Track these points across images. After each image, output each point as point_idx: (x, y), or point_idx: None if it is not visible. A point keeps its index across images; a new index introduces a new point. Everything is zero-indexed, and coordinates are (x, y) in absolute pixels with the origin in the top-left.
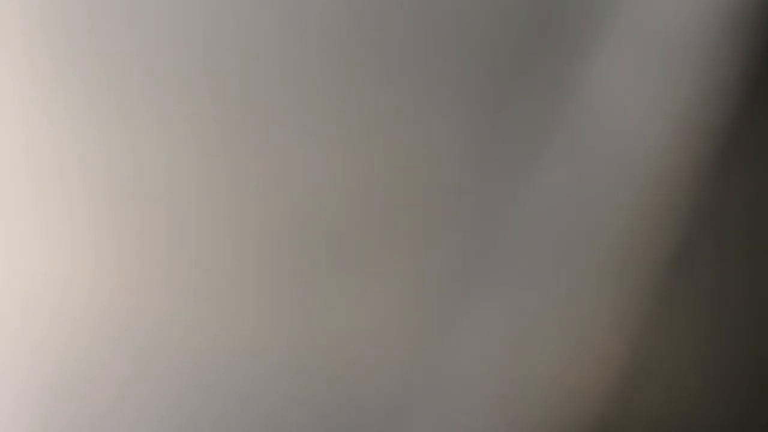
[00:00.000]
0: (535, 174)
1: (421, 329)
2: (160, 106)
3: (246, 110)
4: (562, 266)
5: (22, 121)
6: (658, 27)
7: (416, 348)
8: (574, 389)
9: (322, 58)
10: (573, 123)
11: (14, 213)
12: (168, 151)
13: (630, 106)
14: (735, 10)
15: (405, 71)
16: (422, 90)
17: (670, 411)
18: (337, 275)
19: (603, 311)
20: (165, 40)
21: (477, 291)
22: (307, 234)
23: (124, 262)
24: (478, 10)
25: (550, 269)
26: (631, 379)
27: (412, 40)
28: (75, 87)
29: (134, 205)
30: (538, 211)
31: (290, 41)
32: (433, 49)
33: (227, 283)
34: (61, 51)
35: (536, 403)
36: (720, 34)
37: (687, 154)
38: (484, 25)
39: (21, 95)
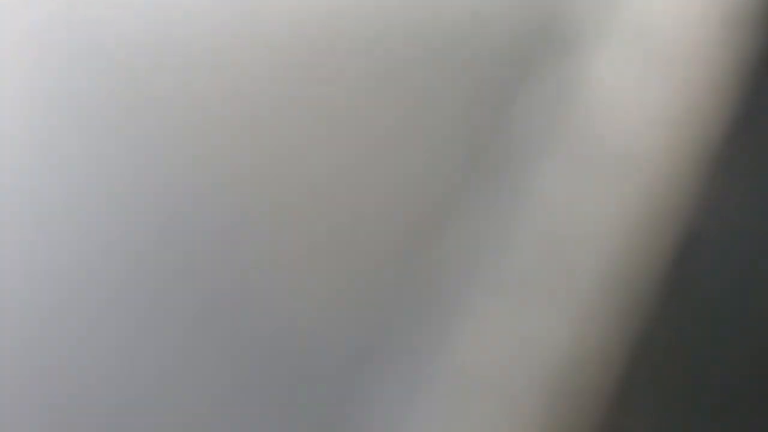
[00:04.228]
0: (536, 175)
1: (420, 328)
2: (163, 105)
3: (248, 109)
4: (562, 266)
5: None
6: (658, 29)
7: (416, 347)
8: (574, 389)
9: (326, 59)
10: (574, 125)
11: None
12: (169, 149)
13: (630, 109)
14: (734, 11)
15: (407, 73)
16: (423, 92)
17: (670, 411)
18: (338, 274)
19: (603, 311)
20: (165, 40)
21: (476, 291)
22: (307, 232)
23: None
24: (479, 12)
25: (550, 269)
26: (632, 379)
27: (415, 43)
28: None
29: (137, 207)
30: (539, 212)
31: (294, 43)
32: (435, 52)
33: (218, 280)
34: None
35: (536, 403)
36: (720, 35)
37: (687, 156)
38: (485, 27)
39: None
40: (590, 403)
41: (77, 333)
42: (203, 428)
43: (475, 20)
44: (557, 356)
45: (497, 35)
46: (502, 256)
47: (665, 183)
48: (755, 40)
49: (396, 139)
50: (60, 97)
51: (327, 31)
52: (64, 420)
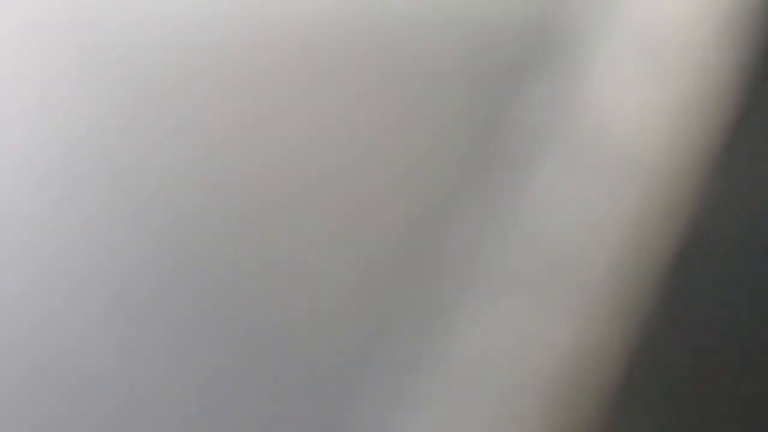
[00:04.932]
0: (536, 175)
1: (420, 328)
2: (166, 105)
3: (249, 108)
4: (562, 266)
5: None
6: (658, 29)
7: (416, 347)
8: (574, 389)
9: (325, 59)
10: (573, 125)
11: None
12: (172, 149)
13: (630, 109)
14: (734, 11)
15: (406, 73)
16: (423, 92)
17: (671, 411)
18: (337, 273)
19: (603, 311)
20: (168, 40)
21: (476, 291)
22: (306, 232)
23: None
24: (479, 13)
25: (550, 269)
26: (631, 378)
27: (415, 43)
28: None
29: (138, 203)
30: (539, 212)
31: (295, 43)
32: (435, 52)
33: (219, 280)
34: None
35: (536, 403)
36: (720, 35)
37: (687, 156)
38: (485, 27)
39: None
40: (590, 403)
41: (75, 335)
42: (202, 428)
43: (475, 20)
44: (557, 356)
45: (497, 35)
46: (502, 256)
47: (665, 183)
48: (755, 40)
49: (395, 139)
50: (60, 96)
51: (326, 31)
52: (64, 420)
